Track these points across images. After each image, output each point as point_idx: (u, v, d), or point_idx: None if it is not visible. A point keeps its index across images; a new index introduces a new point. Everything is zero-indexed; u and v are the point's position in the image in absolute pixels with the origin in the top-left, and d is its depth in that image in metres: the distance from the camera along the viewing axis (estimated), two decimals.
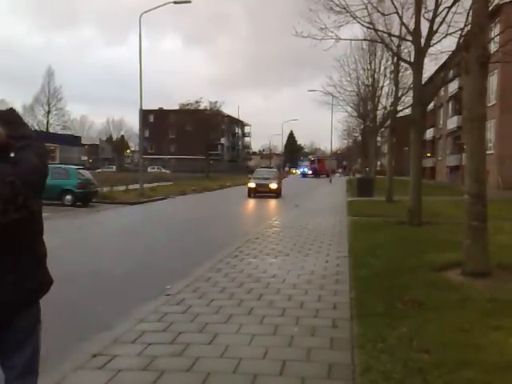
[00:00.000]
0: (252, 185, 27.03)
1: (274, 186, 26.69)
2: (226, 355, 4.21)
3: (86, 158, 64.07)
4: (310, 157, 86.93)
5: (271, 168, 35.72)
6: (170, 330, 4.84)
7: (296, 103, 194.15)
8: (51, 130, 69.81)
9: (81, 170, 21.87)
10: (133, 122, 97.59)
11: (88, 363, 4.05)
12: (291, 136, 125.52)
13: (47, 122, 72.94)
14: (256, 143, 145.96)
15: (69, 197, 19.42)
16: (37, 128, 67.41)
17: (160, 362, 4.05)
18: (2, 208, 2.10)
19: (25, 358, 2.39)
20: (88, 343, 4.57)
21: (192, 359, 4.10)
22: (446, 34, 13.25)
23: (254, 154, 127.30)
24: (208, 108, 59.84)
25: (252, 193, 26.84)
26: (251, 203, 24.75)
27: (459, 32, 12.29)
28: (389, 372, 3.69)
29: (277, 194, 26.89)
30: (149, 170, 60.16)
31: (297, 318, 5.21)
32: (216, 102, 60.15)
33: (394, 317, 4.98)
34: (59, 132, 67.89)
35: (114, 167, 67.74)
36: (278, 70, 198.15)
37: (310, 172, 76.07)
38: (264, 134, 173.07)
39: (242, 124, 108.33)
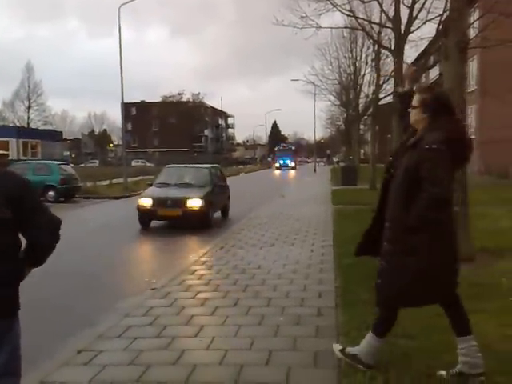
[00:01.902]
0: (145, 202, 12.37)
1: (194, 203, 12.01)
2: (212, 347, 4.22)
3: (68, 153, 63.29)
4: (283, 145, 72.71)
5: (201, 166, 15.29)
6: (156, 324, 4.84)
7: (280, 93, 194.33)
8: (32, 125, 68.87)
9: (63, 166, 21.65)
10: (115, 116, 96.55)
11: (73, 359, 4.03)
12: (275, 126, 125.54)
13: (28, 118, 71.95)
14: (240, 134, 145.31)
15: (51, 193, 19.20)
16: (18, 124, 66.45)
17: (146, 356, 4.04)
18: None
19: (2, 361, 2.36)
20: (73, 340, 4.55)
21: (178, 352, 4.10)
22: (426, 21, 13.35)
23: (239, 145, 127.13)
24: (191, 100, 59.61)
25: (146, 217, 12.47)
26: (236, 193, 24.72)
27: (438, 18, 12.37)
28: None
29: (200, 219, 12.12)
30: (132, 163, 59.68)
31: (282, 308, 5.23)
32: (199, 93, 60.22)
33: None
34: (40, 127, 66.99)
35: (97, 162, 67.15)
36: (262, 60, 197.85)
37: (293, 164, 63.62)
38: (248, 125, 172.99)
39: (225, 115, 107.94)
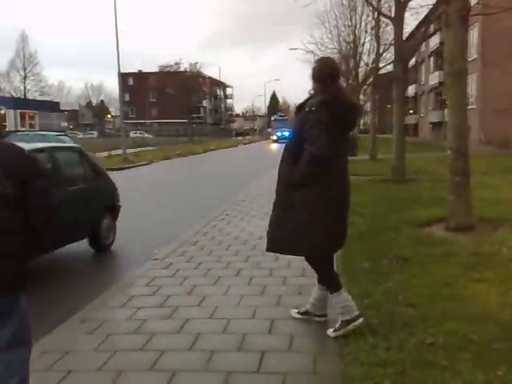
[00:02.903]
0: None
1: None
2: (215, 316, 4.26)
3: (65, 124, 62.87)
4: (280, 114, 68.23)
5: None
6: (159, 294, 4.88)
7: (279, 63, 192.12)
8: (29, 96, 68.17)
9: (61, 136, 21.53)
10: (112, 87, 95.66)
11: (77, 329, 4.07)
12: (274, 97, 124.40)
13: (24, 88, 71.18)
14: (239, 105, 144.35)
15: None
16: (14, 94, 65.78)
17: (150, 325, 4.09)
18: None
19: (9, 333, 2.40)
20: (77, 309, 4.59)
21: (182, 321, 4.14)
22: None
23: (238, 116, 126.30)
24: (188, 70, 58.85)
25: None
26: (237, 165, 24.68)
27: None
28: (375, 326, 3.77)
29: None
30: (131, 135, 59.42)
31: (284, 278, 5.27)
32: (196, 63, 59.26)
33: (380, 273, 5.06)
34: (37, 98, 66.34)
35: (96, 133, 66.76)
36: (262, 29, 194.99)
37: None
38: (247, 96, 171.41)
39: (223, 86, 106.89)
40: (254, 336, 3.82)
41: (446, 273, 5.00)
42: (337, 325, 3.79)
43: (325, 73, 3.71)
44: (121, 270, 5.92)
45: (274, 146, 46.23)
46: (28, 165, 2.42)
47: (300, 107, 3.71)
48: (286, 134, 55.06)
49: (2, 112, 38.38)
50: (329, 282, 3.85)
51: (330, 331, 3.81)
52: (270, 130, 78.88)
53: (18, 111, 46.00)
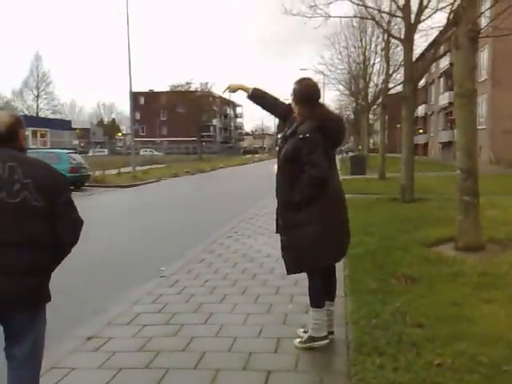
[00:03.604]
0: None
1: None
2: (220, 334, 4.24)
3: (77, 141, 63.54)
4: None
5: None
6: (165, 311, 4.86)
7: (288, 83, 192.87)
8: (41, 114, 69.21)
9: (72, 154, 21.72)
10: (123, 105, 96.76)
11: (83, 346, 4.06)
12: None
13: (37, 107, 72.26)
14: (248, 124, 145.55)
15: None
16: (27, 113, 66.74)
17: (155, 343, 4.07)
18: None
19: (25, 350, 2.46)
20: (82, 326, 4.58)
21: (187, 339, 4.12)
22: (436, 9, 13.15)
23: (247, 134, 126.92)
24: (199, 89, 59.39)
25: None
26: (245, 183, 24.72)
27: (449, 7, 12.18)
28: (383, 347, 3.72)
29: None
30: (141, 152, 59.85)
31: (291, 296, 5.24)
32: (207, 82, 59.75)
33: (388, 293, 5.01)
34: (49, 116, 67.24)
35: (106, 150, 67.32)
36: (272, 49, 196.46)
37: None
38: (256, 115, 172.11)
39: (233, 105, 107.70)
40: (260, 355, 3.79)
41: (455, 293, 4.94)
42: (304, 338, 3.93)
43: (307, 94, 3.79)
44: (127, 287, 5.90)
45: None
46: (56, 179, 2.51)
47: (292, 133, 3.77)
48: None
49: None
50: (312, 295, 3.92)
51: (296, 341, 3.95)
52: (266, 147, 78.07)
53: (30, 129, 46.62)
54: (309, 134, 3.63)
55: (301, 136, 3.65)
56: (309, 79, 4.00)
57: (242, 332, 4.27)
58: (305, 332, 4.05)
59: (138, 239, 9.75)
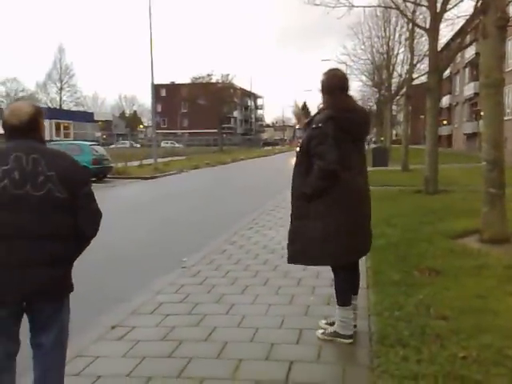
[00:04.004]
0: None
1: None
2: (242, 325, 4.25)
3: (99, 134, 64.22)
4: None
5: None
6: (187, 301, 4.90)
7: (311, 74, 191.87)
8: (64, 106, 70.11)
9: (95, 146, 21.95)
10: (145, 98, 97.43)
11: (108, 334, 4.12)
12: (305, 107, 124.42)
13: (60, 99, 73.18)
14: (269, 115, 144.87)
15: None
16: (50, 105, 67.65)
17: (178, 332, 4.10)
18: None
19: (51, 338, 2.49)
20: (107, 315, 4.64)
21: (209, 329, 4.15)
22: None
23: (268, 126, 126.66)
24: (220, 81, 59.37)
25: None
26: (266, 175, 24.71)
27: None
28: (406, 339, 3.69)
29: None
30: (162, 144, 60.19)
31: (313, 288, 5.23)
32: (228, 74, 59.69)
33: (411, 285, 4.96)
34: (72, 109, 68.07)
35: (128, 142, 67.91)
36: (295, 40, 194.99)
37: None
38: (277, 106, 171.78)
39: (254, 96, 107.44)
40: (282, 346, 3.79)
41: (480, 285, 4.87)
42: (328, 330, 3.90)
43: (333, 84, 3.72)
44: (149, 277, 5.95)
45: None
46: (78, 171, 2.52)
47: (309, 122, 3.75)
48: None
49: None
50: (338, 293, 3.86)
51: (318, 332, 3.94)
52: (286, 139, 71.24)
53: (54, 121, 47.26)
54: (321, 123, 3.57)
55: (314, 126, 3.62)
56: (336, 69, 3.96)
57: (263, 323, 4.28)
58: (327, 324, 4.03)
59: (160, 230, 9.83)
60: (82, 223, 2.47)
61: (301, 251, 3.75)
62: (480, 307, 4.31)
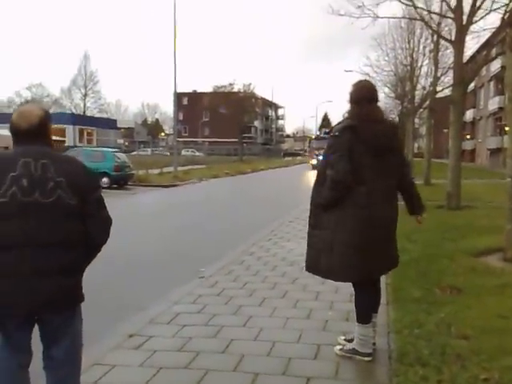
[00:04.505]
0: None
1: None
2: (260, 338, 4.21)
3: (122, 141, 64.96)
4: (325, 130, 45.94)
5: None
6: (205, 312, 4.88)
7: (333, 85, 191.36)
8: (88, 113, 71.14)
9: (117, 153, 22.20)
10: (167, 106, 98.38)
11: (125, 343, 4.12)
12: (325, 118, 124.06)
13: (84, 105, 74.31)
14: (289, 126, 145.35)
15: (105, 179, 19.74)
16: (74, 111, 68.70)
17: (195, 343, 4.08)
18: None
19: (62, 350, 2.43)
20: (124, 324, 4.65)
21: (226, 341, 4.12)
22: (490, 10, 12.70)
23: (288, 136, 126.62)
24: (242, 90, 59.69)
25: None
26: (286, 186, 24.68)
27: (504, 8, 11.78)
28: (426, 358, 3.62)
29: None
30: (183, 152, 60.62)
31: (331, 303, 5.17)
32: (250, 84, 60.00)
33: (432, 302, 4.88)
34: (96, 115, 69.04)
35: (149, 150, 68.54)
36: (317, 50, 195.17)
37: None
38: (298, 117, 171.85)
39: (275, 106, 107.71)
40: (300, 361, 3.75)
41: (502, 305, 4.76)
42: (347, 347, 3.84)
43: (361, 95, 3.68)
44: (166, 286, 5.96)
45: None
46: (88, 177, 2.45)
47: (330, 131, 3.76)
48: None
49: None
50: (359, 310, 3.79)
51: (336, 348, 3.89)
52: (307, 150, 64.97)
53: (77, 127, 47.93)
54: (338, 132, 3.55)
55: (331, 134, 3.64)
56: (365, 80, 3.95)
57: (281, 336, 4.24)
58: (346, 340, 3.98)
59: (177, 239, 9.86)
60: (92, 230, 2.40)
61: (314, 261, 3.74)
62: (502, 327, 4.21)
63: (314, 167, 36.70)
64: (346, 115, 3.76)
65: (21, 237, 2.22)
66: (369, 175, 3.55)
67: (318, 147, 37.67)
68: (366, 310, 3.77)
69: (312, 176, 26.79)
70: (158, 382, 3.42)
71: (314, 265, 3.75)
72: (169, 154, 60.49)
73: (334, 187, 3.51)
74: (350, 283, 3.91)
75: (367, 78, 29.44)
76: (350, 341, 3.91)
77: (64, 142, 39.02)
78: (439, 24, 17.22)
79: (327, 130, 42.33)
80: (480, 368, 3.45)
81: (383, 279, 6.00)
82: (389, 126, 3.84)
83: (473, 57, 22.59)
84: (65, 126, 46.41)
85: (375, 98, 3.75)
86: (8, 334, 2.34)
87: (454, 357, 3.64)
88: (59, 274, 2.29)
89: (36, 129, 2.34)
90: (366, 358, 3.72)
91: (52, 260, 2.26)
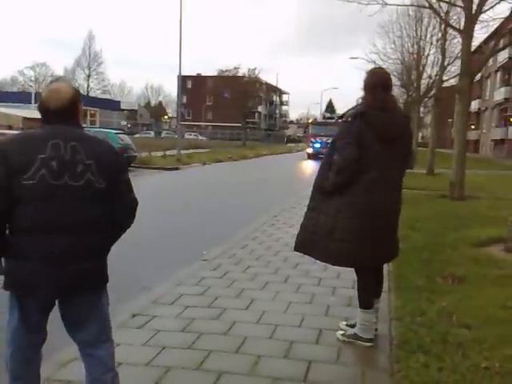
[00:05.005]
0: None
1: None
2: (262, 321, 4.25)
3: (125, 122, 64.80)
4: (326, 114, 42.85)
5: None
6: (207, 295, 4.91)
7: (338, 72, 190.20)
8: (91, 94, 70.83)
9: (120, 135, 22.13)
10: (171, 88, 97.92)
11: (128, 322, 4.16)
12: (330, 105, 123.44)
13: (87, 86, 73.97)
14: (294, 112, 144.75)
15: None
16: None
17: (198, 325, 4.12)
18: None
19: (93, 332, 2.42)
20: (128, 303, 4.68)
21: (229, 323, 4.15)
22: (500, 0, 12.57)
23: (292, 122, 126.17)
24: (246, 75, 59.32)
25: None
26: (289, 172, 24.65)
27: None
28: (427, 346, 3.64)
29: None
30: (185, 136, 60.50)
31: (333, 288, 5.20)
32: (255, 68, 59.58)
33: (434, 291, 4.90)
34: (99, 96, 68.77)
35: (152, 133, 68.40)
36: (324, 37, 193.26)
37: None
38: (302, 103, 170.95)
39: (280, 92, 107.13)
40: (301, 345, 3.78)
41: (504, 295, 4.77)
42: (349, 332, 3.87)
43: (373, 82, 3.68)
44: (169, 268, 5.99)
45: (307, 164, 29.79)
46: (118, 159, 2.40)
47: (341, 117, 3.74)
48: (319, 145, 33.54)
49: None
50: (361, 295, 3.81)
51: (338, 333, 3.91)
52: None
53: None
54: (350, 117, 3.58)
55: (343, 119, 3.67)
56: (379, 68, 3.96)
57: (283, 320, 4.27)
58: (348, 325, 4.00)
59: (180, 221, 9.88)
60: (118, 213, 2.38)
61: (307, 241, 3.77)
62: (504, 317, 4.23)
63: (309, 156, 33.63)
64: (360, 101, 3.77)
65: (48, 220, 2.18)
66: (375, 163, 3.55)
67: (316, 133, 33.68)
68: (368, 295, 3.79)
69: (309, 165, 26.35)
70: (162, 361, 3.45)
71: (307, 245, 3.79)
72: (152, 134, 60.34)
73: (340, 173, 3.53)
74: (353, 269, 3.93)
75: (374, 66, 29.23)
76: (352, 326, 3.94)
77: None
78: (448, 12, 17.05)
79: (329, 115, 38.77)
80: (481, 357, 3.48)
81: (385, 266, 6.03)
82: (400, 116, 3.84)
83: (480, 46, 22.40)
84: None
85: (389, 87, 3.75)
86: (26, 316, 2.31)
87: (456, 345, 3.67)
88: (86, 257, 2.27)
89: (66, 109, 2.27)
90: (368, 344, 3.75)
91: (79, 244, 2.24)
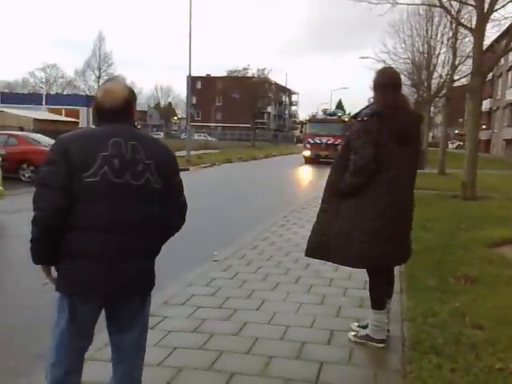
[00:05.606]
0: None
1: None
2: (273, 322, 4.24)
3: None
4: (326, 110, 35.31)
5: None
6: (218, 295, 4.91)
7: (348, 72, 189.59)
8: None
9: None
10: (181, 89, 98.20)
11: None
12: (340, 105, 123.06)
13: (98, 87, 74.26)
14: (303, 112, 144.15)
15: None
16: (88, 93, 68.80)
17: (209, 325, 4.12)
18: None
19: (134, 337, 2.38)
20: None
21: (240, 324, 4.15)
22: None
23: (301, 123, 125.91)
24: (256, 75, 59.32)
25: None
26: (299, 173, 24.61)
27: None
28: (440, 347, 3.62)
29: None
30: (195, 137, 60.63)
31: (344, 289, 5.18)
32: (264, 69, 59.55)
33: (446, 292, 4.87)
34: None
35: (162, 134, 68.56)
36: (333, 37, 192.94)
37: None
38: (312, 103, 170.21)
39: (289, 92, 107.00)
40: (313, 346, 3.77)
41: None
42: (361, 333, 3.84)
43: (383, 81, 3.65)
44: (180, 268, 6.00)
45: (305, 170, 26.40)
46: (173, 160, 2.37)
47: (355, 116, 3.70)
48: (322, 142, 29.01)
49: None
50: (373, 296, 3.79)
51: (350, 334, 3.89)
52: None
53: (91, 109, 48.13)
54: (366, 117, 3.53)
55: (359, 118, 3.60)
56: (388, 67, 3.92)
57: (294, 321, 4.26)
58: (359, 326, 3.98)
59: (191, 222, 9.84)
60: (170, 214, 2.34)
61: (321, 244, 3.71)
62: None
63: (307, 160, 29.49)
64: (372, 101, 3.73)
65: (108, 218, 2.14)
66: (392, 163, 3.53)
67: (315, 133, 29.36)
68: (380, 295, 3.77)
69: (317, 166, 25.77)
70: (173, 361, 3.46)
71: (321, 249, 3.73)
72: (162, 135, 60.48)
73: (358, 173, 3.49)
74: (364, 270, 3.91)
75: (384, 65, 29.11)
76: (364, 327, 3.92)
77: (78, 123, 39.13)
78: (459, 11, 16.92)
79: (332, 111, 33.15)
80: (495, 358, 3.45)
81: (397, 267, 5.99)
82: (415, 115, 3.84)
83: (491, 46, 22.22)
84: (78, 107, 46.56)
85: (399, 86, 3.73)
86: (77, 318, 2.24)
87: (469, 346, 3.64)
88: (139, 257, 2.24)
89: (122, 108, 2.25)
90: (380, 345, 3.73)
91: (134, 243, 2.20)
